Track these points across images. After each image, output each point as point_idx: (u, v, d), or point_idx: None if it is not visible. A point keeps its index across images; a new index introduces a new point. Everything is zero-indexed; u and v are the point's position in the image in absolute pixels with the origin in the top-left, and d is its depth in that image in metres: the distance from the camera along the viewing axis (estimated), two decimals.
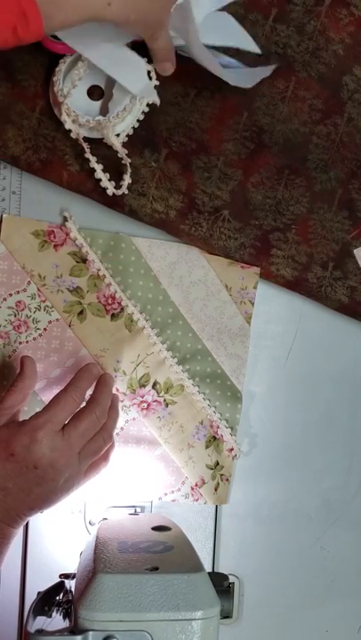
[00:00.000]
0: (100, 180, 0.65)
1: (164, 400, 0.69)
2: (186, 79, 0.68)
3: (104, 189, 0.66)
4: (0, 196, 0.67)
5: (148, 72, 0.65)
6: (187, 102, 0.68)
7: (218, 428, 0.70)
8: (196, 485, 0.70)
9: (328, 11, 0.70)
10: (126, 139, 0.67)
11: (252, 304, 0.71)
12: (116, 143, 0.65)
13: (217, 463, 0.70)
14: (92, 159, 0.65)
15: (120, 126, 0.65)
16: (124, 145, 0.67)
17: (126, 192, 0.67)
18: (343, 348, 0.74)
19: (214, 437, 0.70)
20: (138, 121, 0.67)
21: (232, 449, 0.70)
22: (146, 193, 0.68)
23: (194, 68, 0.68)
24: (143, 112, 0.67)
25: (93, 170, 0.65)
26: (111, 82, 0.66)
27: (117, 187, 0.66)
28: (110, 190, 0.66)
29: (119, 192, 0.66)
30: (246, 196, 0.70)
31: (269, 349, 0.73)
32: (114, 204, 0.67)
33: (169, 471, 0.69)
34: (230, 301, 0.71)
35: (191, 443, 0.70)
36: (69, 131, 0.64)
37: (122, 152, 0.65)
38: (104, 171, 0.66)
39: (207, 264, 0.70)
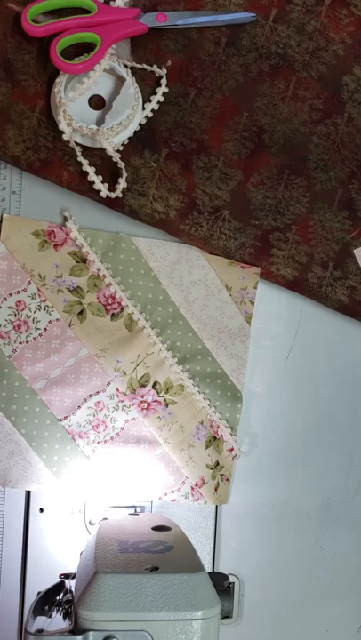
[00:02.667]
0: (95, 182, 0.66)
1: (164, 400, 0.69)
2: (186, 79, 0.68)
3: None
4: (0, 195, 0.68)
5: (160, 77, 0.66)
6: (187, 102, 0.68)
7: (218, 427, 0.70)
8: (197, 485, 0.70)
9: (328, 11, 0.70)
10: (127, 140, 0.67)
11: (252, 304, 0.71)
12: (109, 148, 0.65)
13: (217, 463, 0.70)
14: (85, 162, 0.65)
15: (112, 139, 0.65)
16: (124, 145, 0.67)
17: (120, 195, 0.67)
18: (343, 348, 0.74)
19: (214, 437, 0.70)
20: (139, 124, 0.67)
21: (232, 449, 0.71)
22: (146, 193, 0.68)
23: (194, 67, 0.68)
24: (146, 117, 0.67)
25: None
26: (114, 95, 0.66)
27: (114, 189, 0.66)
28: (104, 193, 0.66)
29: (113, 195, 0.66)
30: (246, 196, 0.70)
31: (269, 349, 0.73)
32: (114, 204, 0.67)
33: (169, 471, 0.69)
34: (230, 301, 0.71)
35: (191, 443, 0.70)
36: (62, 132, 0.64)
37: (116, 157, 0.65)
38: (101, 173, 0.66)
39: (207, 264, 0.70)
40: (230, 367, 0.71)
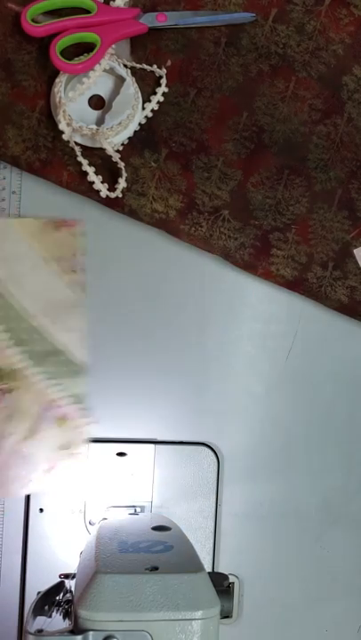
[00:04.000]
0: (94, 182, 0.66)
1: (1, 389, 0.67)
2: (186, 79, 0.68)
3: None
4: (0, 195, 0.68)
5: (159, 77, 0.66)
6: (187, 102, 0.68)
7: (65, 406, 0.68)
8: (50, 468, 0.68)
9: (328, 11, 0.70)
10: (127, 140, 0.67)
11: (84, 271, 0.67)
12: (109, 148, 0.65)
13: (69, 441, 0.68)
14: (84, 162, 0.65)
15: (112, 139, 0.65)
16: (124, 145, 0.67)
17: (120, 195, 0.67)
18: (343, 348, 0.74)
19: (64, 417, 0.68)
20: (139, 124, 0.67)
21: (83, 424, 0.68)
22: (146, 193, 0.68)
23: (194, 67, 0.68)
24: (146, 117, 0.67)
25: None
26: (114, 95, 0.66)
27: (114, 189, 0.66)
28: (104, 193, 0.66)
29: (113, 195, 0.66)
30: (246, 196, 0.70)
31: (269, 349, 0.73)
32: (114, 204, 0.67)
33: (18, 463, 0.67)
34: (58, 272, 0.67)
35: (40, 427, 0.68)
36: (62, 132, 0.64)
37: (115, 157, 0.65)
38: (101, 173, 0.66)
39: (26, 236, 0.67)
40: (70, 341, 0.68)
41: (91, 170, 0.65)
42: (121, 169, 0.66)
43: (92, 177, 0.65)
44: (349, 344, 0.74)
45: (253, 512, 0.73)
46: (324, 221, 0.71)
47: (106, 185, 0.66)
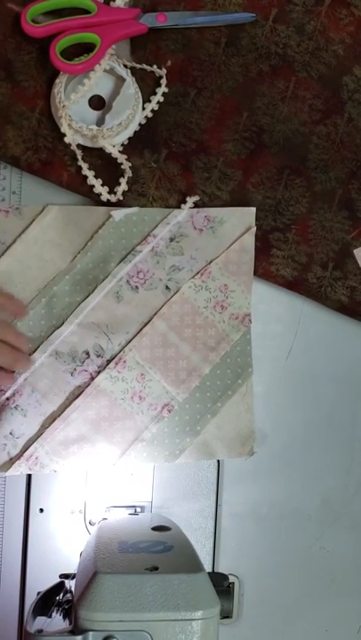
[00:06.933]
0: (95, 185, 0.66)
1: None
2: (186, 79, 0.68)
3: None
4: (0, 196, 0.68)
5: (159, 77, 0.66)
6: (187, 102, 0.68)
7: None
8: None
9: (328, 11, 0.70)
10: (127, 140, 0.67)
11: None
12: (112, 149, 0.65)
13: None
14: (84, 166, 0.65)
15: (112, 140, 0.65)
16: (124, 145, 0.67)
17: (121, 198, 0.67)
18: (343, 348, 0.74)
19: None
20: (139, 124, 0.67)
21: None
22: (146, 193, 0.68)
23: (194, 68, 0.68)
24: (146, 117, 0.67)
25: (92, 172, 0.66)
26: (114, 95, 0.66)
27: (114, 191, 0.66)
28: (104, 197, 0.66)
29: (113, 199, 0.66)
30: (246, 196, 0.70)
31: (269, 349, 0.73)
32: (114, 204, 0.67)
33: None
34: None
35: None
36: (64, 135, 0.64)
37: (121, 158, 0.65)
38: (100, 173, 0.66)
39: None
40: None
41: (90, 174, 0.65)
42: (125, 169, 0.66)
43: (91, 180, 0.65)
44: (349, 344, 0.74)
45: (253, 512, 0.73)
46: (325, 221, 0.71)
47: (106, 188, 0.66)
